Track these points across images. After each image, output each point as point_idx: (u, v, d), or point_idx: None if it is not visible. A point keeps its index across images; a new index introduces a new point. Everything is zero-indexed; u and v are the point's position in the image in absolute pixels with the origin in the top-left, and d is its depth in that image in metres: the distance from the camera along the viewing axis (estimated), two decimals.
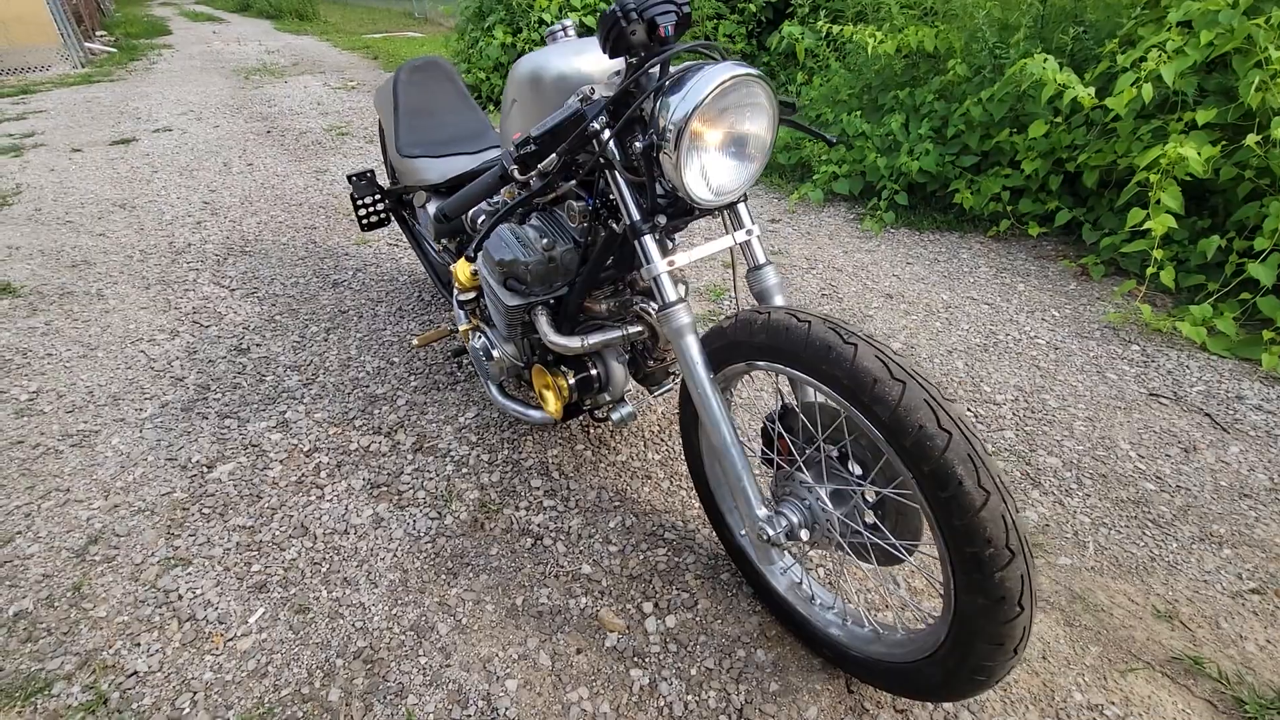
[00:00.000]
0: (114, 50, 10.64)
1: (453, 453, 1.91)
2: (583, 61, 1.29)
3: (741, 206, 1.28)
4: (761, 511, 1.13)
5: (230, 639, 1.43)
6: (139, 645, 1.42)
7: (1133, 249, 2.45)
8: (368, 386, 2.20)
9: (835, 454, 1.15)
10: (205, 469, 1.89)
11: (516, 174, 1.12)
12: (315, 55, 10.04)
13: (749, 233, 1.27)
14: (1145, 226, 2.35)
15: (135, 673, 1.37)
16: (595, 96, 1.14)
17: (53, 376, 2.32)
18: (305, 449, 1.95)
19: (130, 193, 4.07)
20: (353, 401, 2.13)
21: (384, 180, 3.39)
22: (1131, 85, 2.34)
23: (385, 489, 1.80)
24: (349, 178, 2.36)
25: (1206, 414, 1.92)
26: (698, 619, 1.43)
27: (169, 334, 2.55)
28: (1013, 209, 2.99)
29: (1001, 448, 1.85)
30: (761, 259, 1.28)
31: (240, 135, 5.29)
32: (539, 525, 1.67)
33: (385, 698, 1.31)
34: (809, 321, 1.01)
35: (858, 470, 1.13)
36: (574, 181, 1.31)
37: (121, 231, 3.50)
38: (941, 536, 0.92)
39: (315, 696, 1.31)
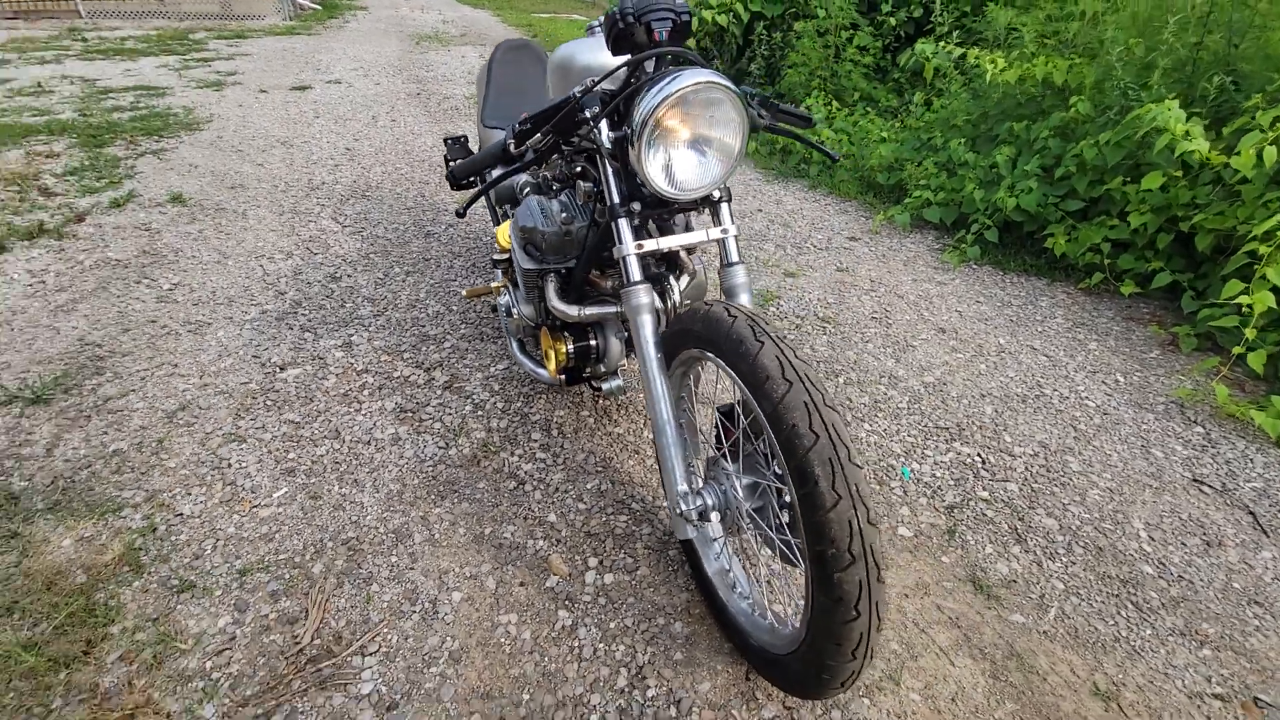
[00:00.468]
0: (318, 7, 12.00)
1: (475, 396, 2.13)
2: (608, 56, 1.42)
3: (724, 207, 1.36)
4: (681, 488, 1.22)
5: (255, 506, 1.72)
6: (189, 495, 1.74)
7: (1225, 323, 2.22)
8: (424, 326, 2.47)
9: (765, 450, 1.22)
10: (278, 369, 2.23)
11: (512, 148, 1.27)
12: (483, 28, 10.79)
13: (724, 231, 1.35)
14: (1244, 301, 2.12)
15: (181, 514, 1.69)
16: (595, 88, 1.27)
17: (191, 274, 2.79)
18: (358, 368, 2.24)
19: (292, 133, 4.68)
20: (408, 336, 2.41)
21: (475, 146, 3.68)
22: (1253, 147, 2.12)
23: (410, 415, 2.04)
24: (445, 140, 2.63)
25: (1251, 512, 1.75)
26: (633, 583, 1.54)
27: (285, 255, 2.97)
28: (1111, 263, 2.77)
29: (996, 498, 1.79)
30: (733, 258, 1.35)
31: (394, 94, 5.87)
32: (525, 472, 1.84)
33: (355, 581, 1.53)
34: (735, 316, 1.09)
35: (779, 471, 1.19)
36: (580, 164, 1.45)
37: (276, 164, 4.06)
38: (803, 532, 0.98)
39: (303, 566, 1.56)
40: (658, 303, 1.54)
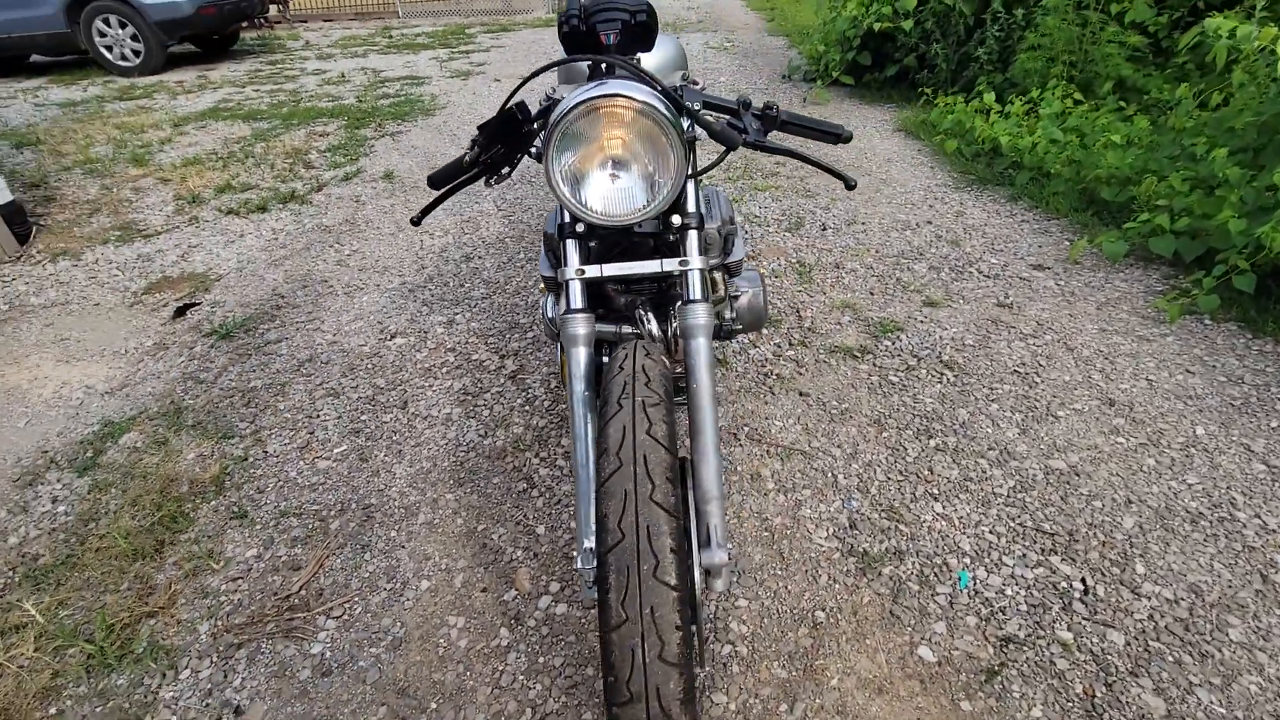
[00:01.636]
0: None
1: (531, 390, 2.17)
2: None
3: (692, 236, 1.17)
4: (585, 543, 1.11)
5: (318, 457, 1.96)
6: (279, 436, 2.05)
7: None
8: (518, 314, 2.58)
9: None
10: (389, 337, 2.50)
11: (467, 156, 1.23)
12: (725, 13, 10.75)
13: (684, 264, 1.17)
14: None
15: (266, 452, 1.99)
16: (556, 95, 1.17)
17: (369, 243, 3.25)
18: (448, 346, 2.42)
19: None
20: (500, 321, 2.54)
21: None
22: None
23: (469, 398, 2.16)
24: (478, 128, 2.68)
25: None
26: (582, 620, 1.45)
27: (443, 233, 3.31)
28: None
29: (1084, 645, 1.33)
30: (694, 294, 1.16)
31: None
32: (539, 477, 1.84)
33: (355, 546, 1.67)
34: (622, 369, 0.94)
35: None
36: None
37: None
38: None
39: (325, 520, 1.75)
40: (653, 328, 1.41)
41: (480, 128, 1.19)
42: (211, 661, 1.42)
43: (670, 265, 1.18)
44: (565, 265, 1.18)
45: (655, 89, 1.01)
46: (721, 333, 1.84)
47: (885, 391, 2.07)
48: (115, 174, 4.28)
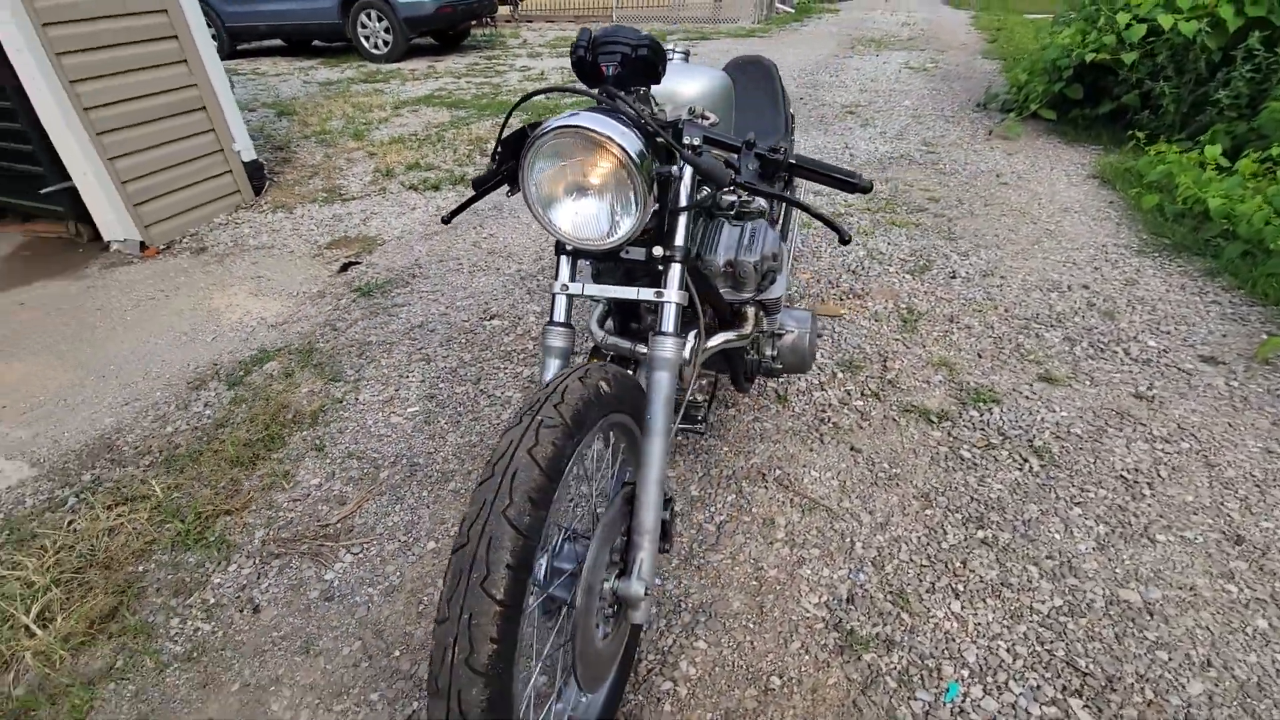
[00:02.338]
0: (791, 10, 12.84)
1: None
2: (666, 83, 1.32)
3: (674, 269, 1.16)
4: None
5: (393, 413, 2.22)
6: (371, 389, 2.34)
7: None
8: None
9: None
10: (488, 317, 2.73)
11: (491, 167, 1.31)
12: (944, 31, 10.05)
13: (659, 294, 1.16)
14: None
15: (359, 398, 2.29)
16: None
17: (504, 227, 3.55)
18: (533, 334, 2.59)
19: None
20: (587, 319, 2.65)
21: None
22: None
23: (533, 387, 2.30)
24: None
25: None
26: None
27: None
28: None
29: None
30: (667, 327, 1.15)
31: None
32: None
33: (392, 497, 1.88)
34: (569, 381, 0.98)
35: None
36: None
37: None
38: None
39: (378, 468, 1.98)
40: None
41: (502, 142, 1.28)
42: (254, 563, 1.69)
43: (647, 294, 1.19)
44: (555, 279, 1.23)
45: (631, 123, 1.03)
46: (760, 369, 1.79)
47: (949, 466, 1.87)
48: (338, 145, 5.08)
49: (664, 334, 1.16)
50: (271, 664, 1.45)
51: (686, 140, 1.13)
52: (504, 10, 11.66)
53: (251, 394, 2.35)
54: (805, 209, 1.18)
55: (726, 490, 1.82)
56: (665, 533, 1.21)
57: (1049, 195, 3.63)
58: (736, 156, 1.12)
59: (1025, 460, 1.87)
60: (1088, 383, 2.16)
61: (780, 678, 1.36)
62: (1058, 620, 1.44)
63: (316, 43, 9.51)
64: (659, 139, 1.04)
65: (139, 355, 2.63)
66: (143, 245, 3.54)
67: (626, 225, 1.07)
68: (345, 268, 3.28)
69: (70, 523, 1.83)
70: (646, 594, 1.10)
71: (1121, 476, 1.80)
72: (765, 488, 1.83)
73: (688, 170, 1.15)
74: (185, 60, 3.68)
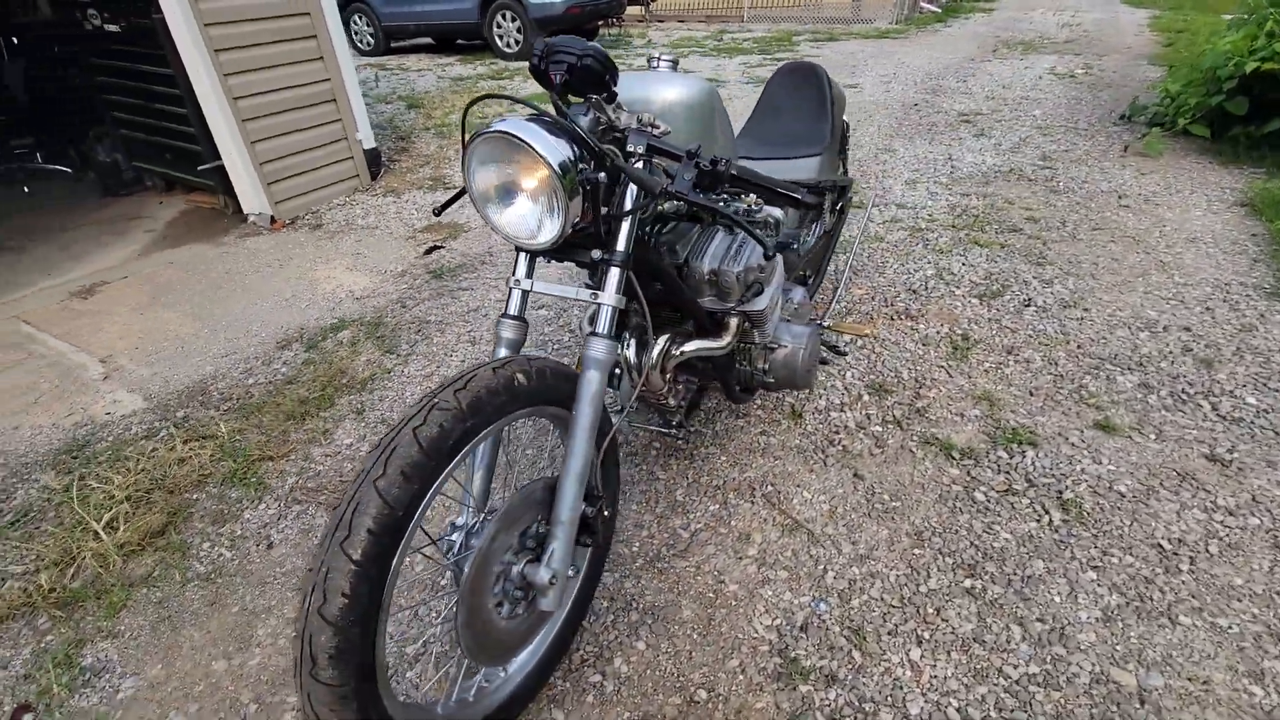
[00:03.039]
0: (938, 10, 12.06)
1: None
2: (640, 90, 1.34)
3: (613, 272, 1.18)
4: None
5: (429, 385, 2.40)
6: (417, 364, 2.54)
7: None
8: None
9: None
10: (537, 306, 2.86)
11: None
12: (1109, 33, 9.06)
13: (594, 295, 1.18)
14: None
15: (406, 373, 2.50)
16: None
17: None
18: (571, 328, 2.68)
19: None
20: None
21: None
22: None
23: None
24: None
25: None
26: None
27: None
28: None
29: None
30: (601, 329, 1.18)
31: (887, 103, 5.75)
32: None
33: None
34: (482, 372, 1.05)
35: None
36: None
37: None
38: None
39: None
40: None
41: (464, 144, 1.36)
42: (279, 506, 1.91)
43: (584, 295, 1.22)
44: (512, 274, 1.30)
45: (557, 129, 1.07)
46: (753, 383, 1.76)
47: (956, 506, 1.74)
48: (451, 137, 5.48)
49: (596, 334, 1.19)
50: (269, 595, 1.64)
51: (631, 148, 1.15)
52: (635, 10, 11.90)
53: (321, 358, 2.63)
54: (731, 220, 1.17)
55: (711, 499, 1.81)
56: (589, 527, 1.24)
57: (1177, 222, 3.20)
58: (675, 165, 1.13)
59: (1046, 512, 1.69)
60: (1152, 436, 1.91)
61: (708, 692, 1.35)
62: (1027, 689, 1.31)
63: (460, 41, 10.24)
64: (592, 146, 1.07)
65: (247, 315, 3.01)
66: (272, 219, 4.02)
67: (549, 228, 1.11)
68: (430, 251, 3.56)
69: (154, 450, 2.15)
70: (553, 582, 1.15)
71: (1159, 546, 1.58)
72: (751, 502, 1.79)
73: (687, 168, 1.16)
74: (321, 57, 4.13)
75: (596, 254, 1.20)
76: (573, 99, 1.18)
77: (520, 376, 1.10)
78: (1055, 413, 2.03)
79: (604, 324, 1.19)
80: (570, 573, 1.20)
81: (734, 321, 1.56)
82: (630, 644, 1.45)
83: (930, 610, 1.48)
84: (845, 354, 2.34)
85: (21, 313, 3.15)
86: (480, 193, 1.15)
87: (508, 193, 1.14)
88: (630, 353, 1.50)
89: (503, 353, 1.28)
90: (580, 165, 1.08)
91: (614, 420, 1.46)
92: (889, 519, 1.72)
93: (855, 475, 1.86)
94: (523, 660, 1.31)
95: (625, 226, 1.19)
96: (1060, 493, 1.75)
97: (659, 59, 1.42)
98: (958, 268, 2.89)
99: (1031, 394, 2.12)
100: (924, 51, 8.20)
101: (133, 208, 4.45)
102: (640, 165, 1.18)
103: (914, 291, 2.73)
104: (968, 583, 1.53)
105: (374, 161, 4.68)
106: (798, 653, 1.41)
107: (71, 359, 2.76)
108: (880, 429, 2.02)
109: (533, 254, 1.28)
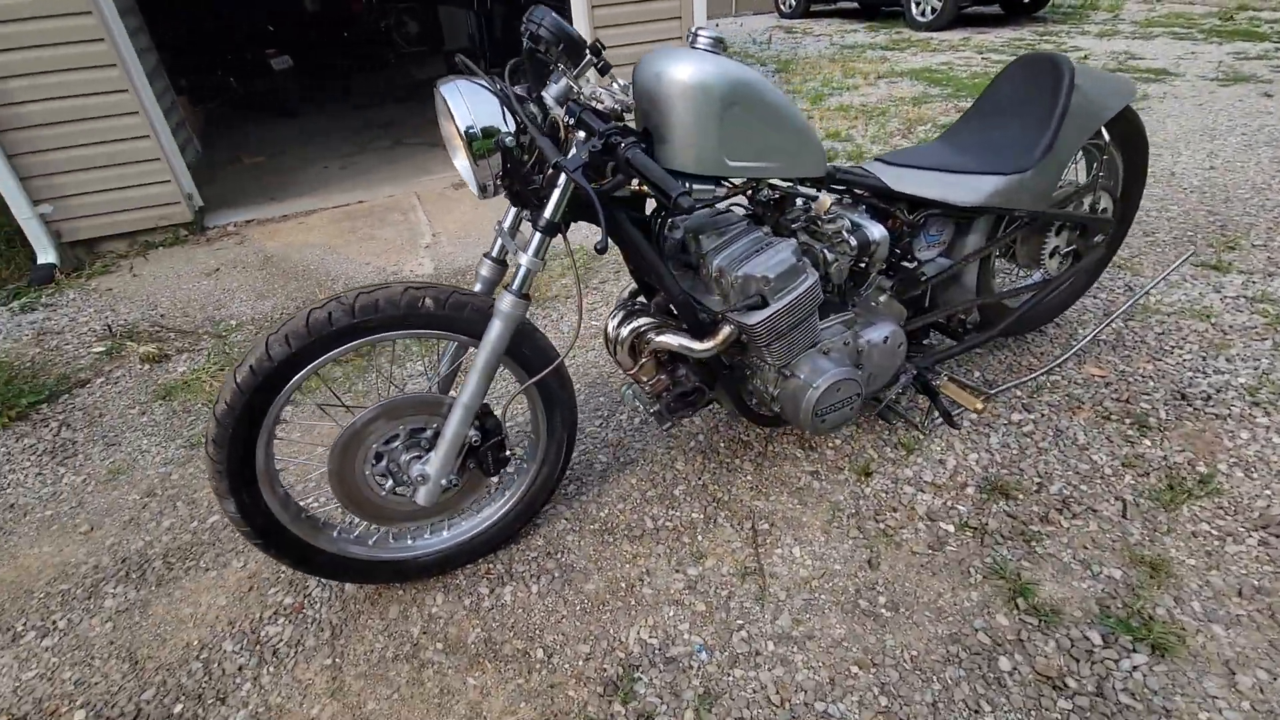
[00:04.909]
0: None
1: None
2: (654, 67, 1.29)
3: (536, 236, 1.22)
4: None
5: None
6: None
7: None
8: None
9: None
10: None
11: None
12: None
13: (513, 254, 1.24)
14: None
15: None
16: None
17: None
18: None
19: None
20: None
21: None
22: None
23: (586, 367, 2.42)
24: None
25: None
26: None
27: None
28: None
29: None
30: (514, 287, 1.26)
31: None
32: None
33: None
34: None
35: None
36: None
37: None
38: None
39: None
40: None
41: None
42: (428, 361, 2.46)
43: (510, 247, 1.29)
44: (501, 219, 1.43)
45: (495, 94, 1.13)
46: (753, 411, 1.61)
47: (957, 658, 1.32)
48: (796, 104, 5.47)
49: (507, 289, 1.27)
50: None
51: (567, 119, 1.16)
52: None
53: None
54: (591, 206, 1.08)
55: (700, 508, 1.71)
56: (473, 451, 1.38)
57: None
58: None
59: (1133, 651, 1.17)
60: None
61: (546, 655, 1.39)
62: None
63: (884, 8, 9.76)
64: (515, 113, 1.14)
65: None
66: None
67: (471, 181, 1.22)
68: None
69: None
70: (422, 480, 1.34)
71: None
72: (735, 530, 1.64)
73: (582, 147, 1.17)
74: (678, 17, 4.56)
75: (525, 215, 1.27)
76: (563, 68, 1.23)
77: (428, 302, 1.28)
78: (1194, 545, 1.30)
79: (516, 282, 1.27)
80: (444, 481, 1.36)
81: (726, 329, 1.42)
82: (528, 583, 1.56)
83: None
84: (958, 427, 1.84)
85: (419, 190, 4.43)
86: (446, 139, 1.32)
87: (451, 146, 1.28)
88: (612, 324, 1.52)
89: (478, 288, 1.46)
90: (502, 130, 1.16)
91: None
92: (861, 623, 1.40)
93: (869, 562, 1.53)
94: (429, 541, 1.54)
95: (555, 194, 1.22)
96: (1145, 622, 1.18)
97: (698, 32, 1.33)
98: (1246, 375, 1.90)
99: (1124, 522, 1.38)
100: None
101: None
102: (584, 138, 1.18)
103: (1181, 398, 1.92)
104: None
105: None
106: (641, 677, 1.33)
107: (422, 229, 3.82)
108: (952, 529, 1.59)
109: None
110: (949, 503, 1.66)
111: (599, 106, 1.18)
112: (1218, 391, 1.91)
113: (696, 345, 1.44)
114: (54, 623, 1.53)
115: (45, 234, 3.54)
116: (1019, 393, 1.99)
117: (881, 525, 1.62)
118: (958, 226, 1.76)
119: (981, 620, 1.38)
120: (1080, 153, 1.92)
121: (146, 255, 3.75)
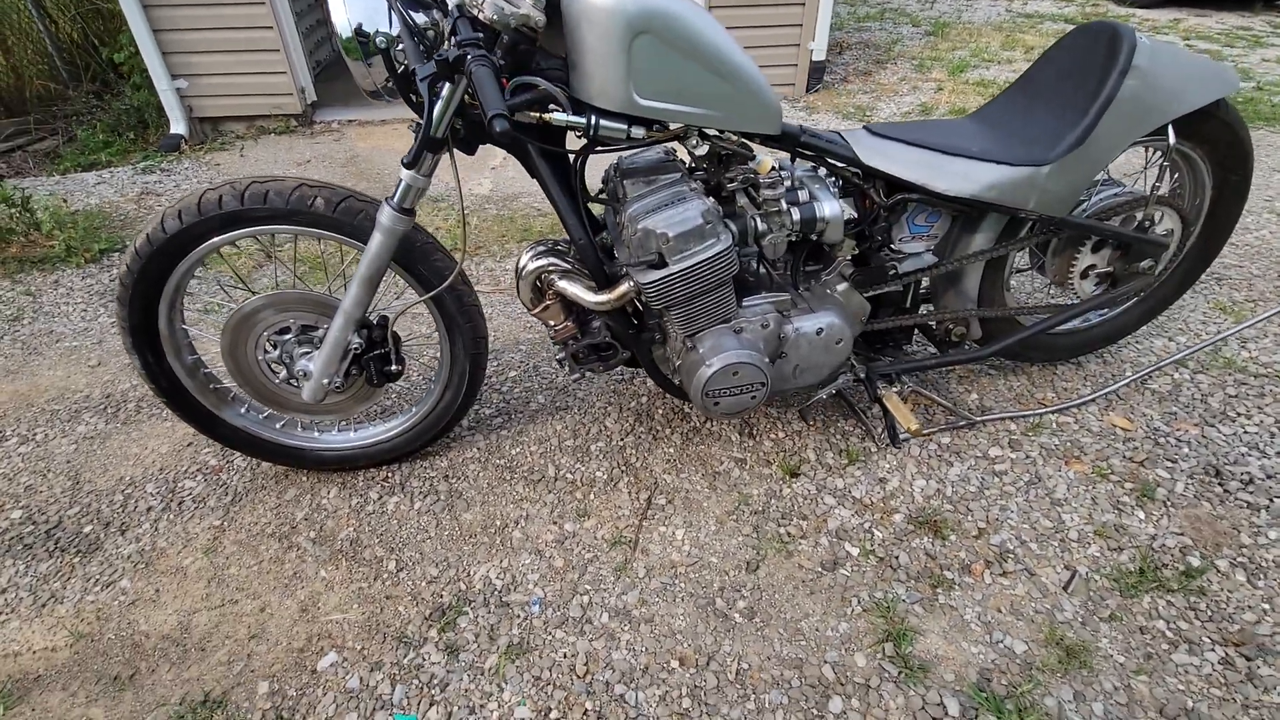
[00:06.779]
0: None
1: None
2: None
3: (423, 154, 1.18)
4: None
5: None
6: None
7: None
8: None
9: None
10: None
11: None
12: None
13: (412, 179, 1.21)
14: None
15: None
16: None
17: None
18: None
19: None
20: None
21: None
22: None
23: None
24: None
25: None
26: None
27: None
28: None
29: None
30: (393, 200, 1.24)
31: None
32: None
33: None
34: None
35: None
36: None
37: None
38: None
39: None
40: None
41: None
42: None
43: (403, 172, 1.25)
44: None
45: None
46: (666, 379, 1.51)
47: (803, 694, 1.20)
48: (926, 72, 4.91)
49: (387, 201, 1.25)
50: None
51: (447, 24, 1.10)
52: None
53: None
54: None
55: (607, 468, 1.65)
56: (353, 357, 1.41)
57: None
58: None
59: None
60: None
61: (396, 569, 1.43)
62: None
63: None
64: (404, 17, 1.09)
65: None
66: None
67: (360, 83, 1.18)
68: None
69: (444, 214, 3.01)
70: (304, 376, 1.39)
71: None
72: (632, 498, 1.57)
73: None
74: None
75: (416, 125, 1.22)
76: None
77: (319, 201, 1.29)
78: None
79: (397, 195, 1.25)
80: (325, 381, 1.40)
81: (624, 285, 1.32)
82: (414, 499, 1.59)
83: (607, 700, 1.17)
84: (899, 445, 1.61)
85: None
86: None
87: None
88: (524, 257, 1.46)
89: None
90: (381, 32, 1.11)
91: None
92: (707, 621, 1.31)
93: (749, 564, 1.42)
94: (333, 438, 1.61)
95: (439, 105, 1.16)
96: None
97: None
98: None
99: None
100: None
101: None
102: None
103: (1214, 474, 1.57)
104: None
105: (815, 74, 4.64)
106: (469, 613, 1.33)
107: (495, 149, 3.88)
108: (855, 552, 1.43)
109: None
110: (867, 525, 1.49)
111: (478, 14, 1.10)
112: (1268, 478, 1.55)
113: (590, 297, 1.35)
114: (35, 435, 1.77)
115: (179, 106, 3.95)
116: (1012, 426, 1.72)
117: (782, 530, 1.49)
118: (957, 220, 1.51)
119: (836, 654, 1.25)
120: (1158, 154, 1.56)
121: (258, 140, 4.09)
